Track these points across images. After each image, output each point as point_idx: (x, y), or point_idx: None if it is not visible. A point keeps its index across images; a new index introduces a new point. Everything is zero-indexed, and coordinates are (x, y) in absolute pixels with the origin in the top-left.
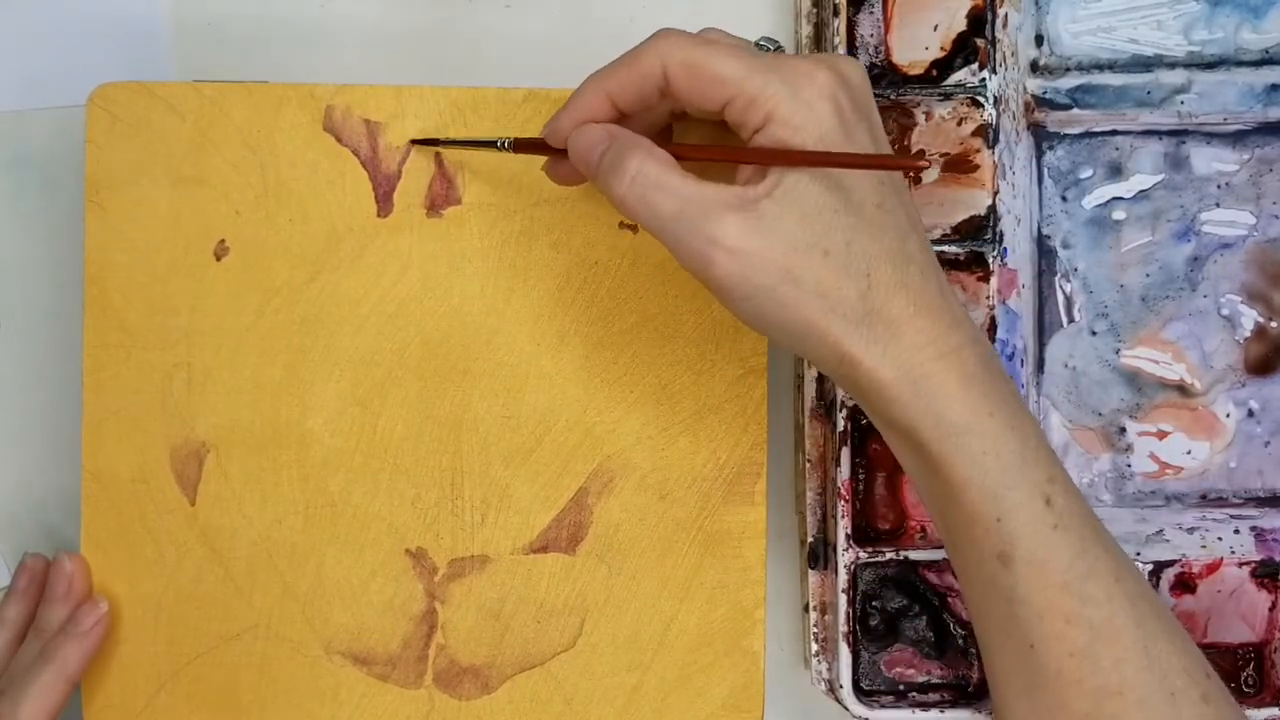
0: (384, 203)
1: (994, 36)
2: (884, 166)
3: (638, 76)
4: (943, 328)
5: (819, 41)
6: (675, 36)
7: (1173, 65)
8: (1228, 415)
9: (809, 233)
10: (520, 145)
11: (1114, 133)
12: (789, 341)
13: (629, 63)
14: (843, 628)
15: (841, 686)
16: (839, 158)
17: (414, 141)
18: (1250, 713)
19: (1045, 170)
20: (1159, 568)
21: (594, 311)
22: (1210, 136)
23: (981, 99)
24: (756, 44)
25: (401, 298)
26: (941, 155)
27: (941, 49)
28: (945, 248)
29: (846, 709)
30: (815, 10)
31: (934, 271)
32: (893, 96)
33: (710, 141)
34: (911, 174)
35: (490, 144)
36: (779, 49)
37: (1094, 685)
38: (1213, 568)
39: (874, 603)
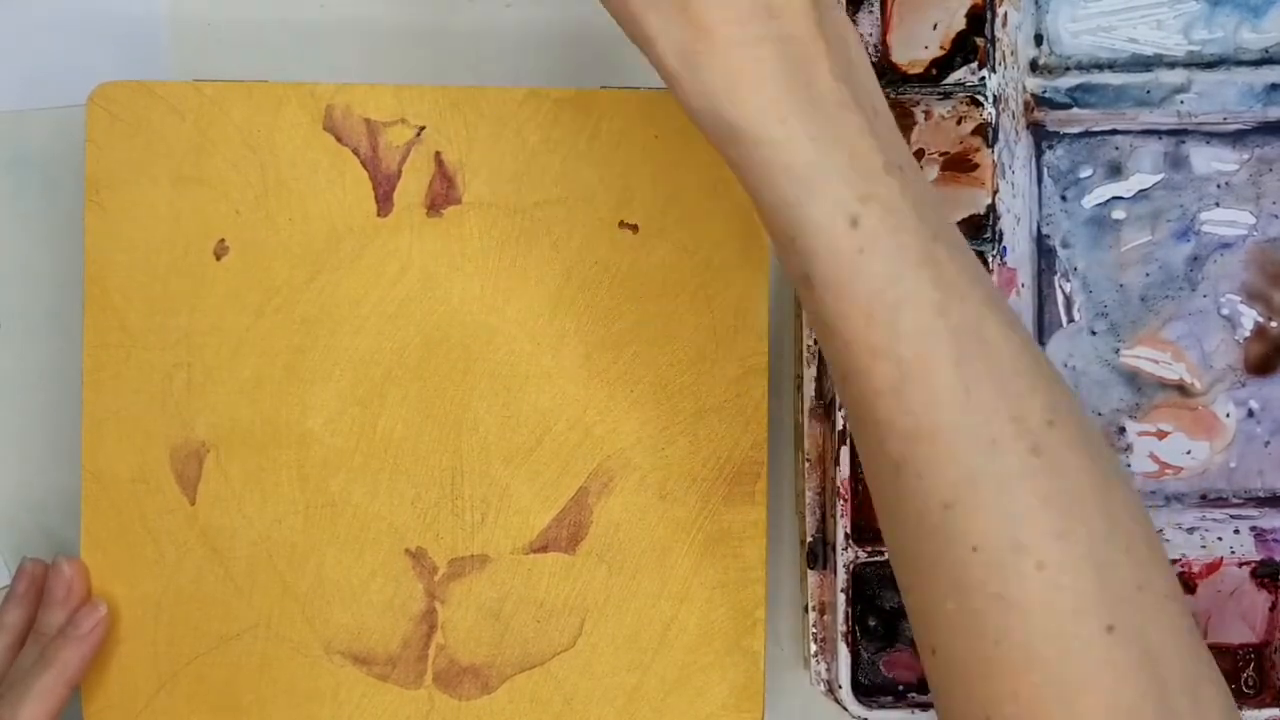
0: (384, 202)
1: (993, 35)
2: None
3: None
4: (745, 13)
5: None
6: None
7: (1172, 65)
8: (1228, 415)
9: None
10: None
11: (1113, 132)
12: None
13: None
14: (842, 628)
15: (841, 687)
16: None
17: None
18: (1250, 714)
19: (1045, 169)
20: None
21: (594, 311)
22: (1210, 136)
23: (981, 98)
24: None
25: (401, 297)
26: (941, 154)
27: (941, 48)
28: None
29: (846, 709)
30: None
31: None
32: (892, 95)
33: None
34: None
35: None
36: None
37: (904, 428)
38: (1213, 568)
39: (873, 603)
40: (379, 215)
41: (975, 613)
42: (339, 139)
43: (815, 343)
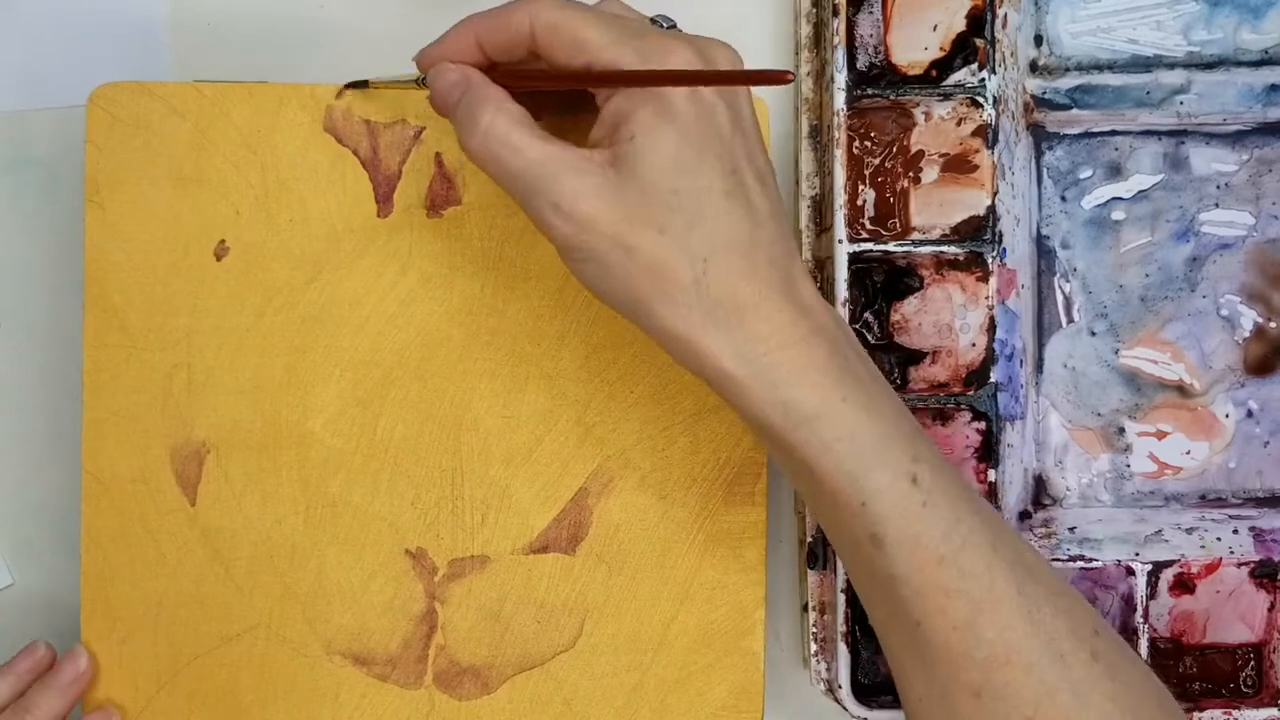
0: (384, 203)
1: (993, 37)
2: (733, 82)
3: (507, 28)
4: (789, 316)
5: (818, 42)
6: (549, 1)
7: (1172, 65)
8: (1227, 415)
9: (647, 208)
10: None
11: (1113, 133)
12: (630, 314)
13: (501, 13)
14: (841, 627)
15: (840, 686)
16: (685, 75)
17: (346, 86)
18: (1249, 714)
19: (1044, 170)
20: (1158, 568)
21: (594, 312)
22: (1209, 137)
23: (981, 99)
24: (652, 20)
25: (402, 298)
26: (941, 156)
27: (941, 49)
28: (945, 248)
29: (845, 709)
30: (815, 10)
31: (786, 260)
32: (892, 97)
33: (571, 111)
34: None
35: (411, 82)
36: (673, 27)
37: (982, 656)
38: (1212, 568)
39: None
40: (379, 216)
41: None
42: (339, 140)
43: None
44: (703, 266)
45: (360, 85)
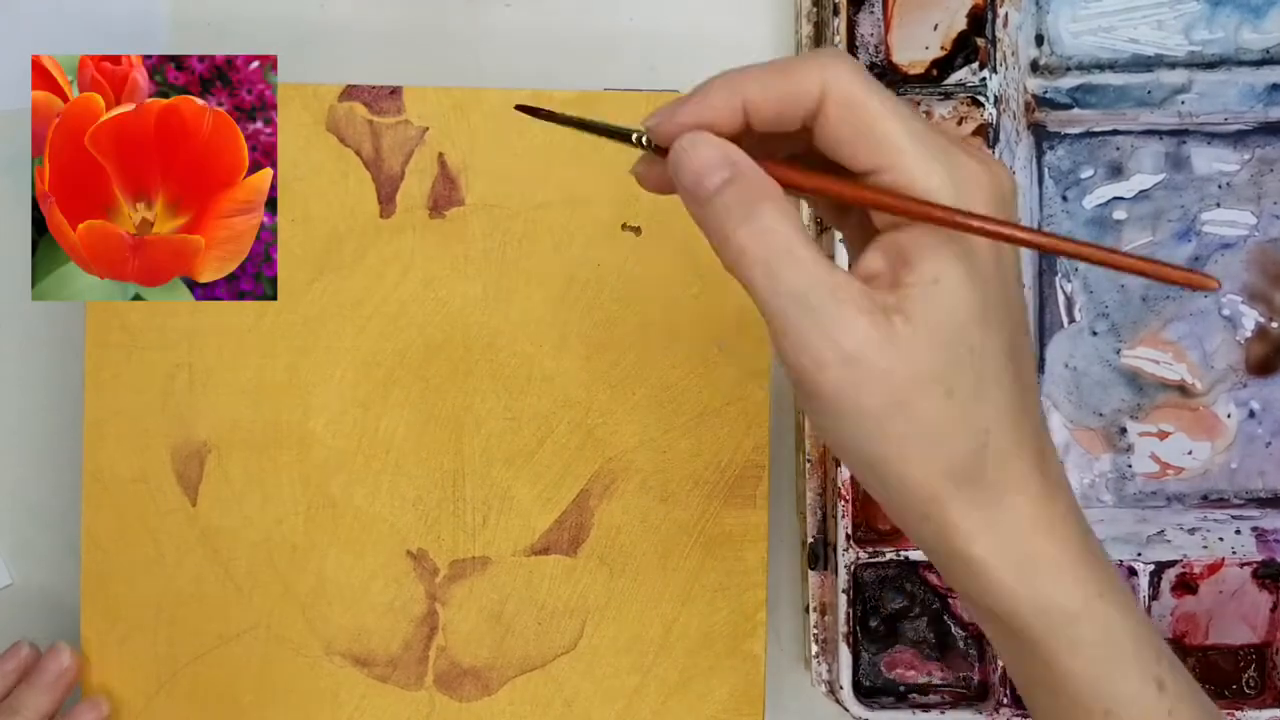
0: (387, 203)
1: (994, 36)
2: (1149, 274)
3: (789, 92)
4: (1046, 494)
5: (819, 41)
6: (848, 63)
7: (1173, 65)
8: (1229, 416)
9: (939, 364)
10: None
11: (1114, 132)
12: (873, 478)
13: (783, 71)
14: (843, 628)
15: (842, 687)
16: (1056, 242)
17: (519, 108)
18: (1251, 714)
19: (1046, 170)
20: (1160, 568)
21: (596, 313)
22: (1211, 136)
23: (982, 98)
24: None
25: (404, 299)
26: None
27: (942, 48)
28: None
29: (847, 710)
30: (815, 10)
31: (1044, 427)
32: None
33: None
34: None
35: (621, 134)
36: None
37: None
38: (1214, 568)
39: (874, 604)
40: (382, 216)
41: None
42: (342, 140)
43: None
44: (984, 439)
45: (540, 114)
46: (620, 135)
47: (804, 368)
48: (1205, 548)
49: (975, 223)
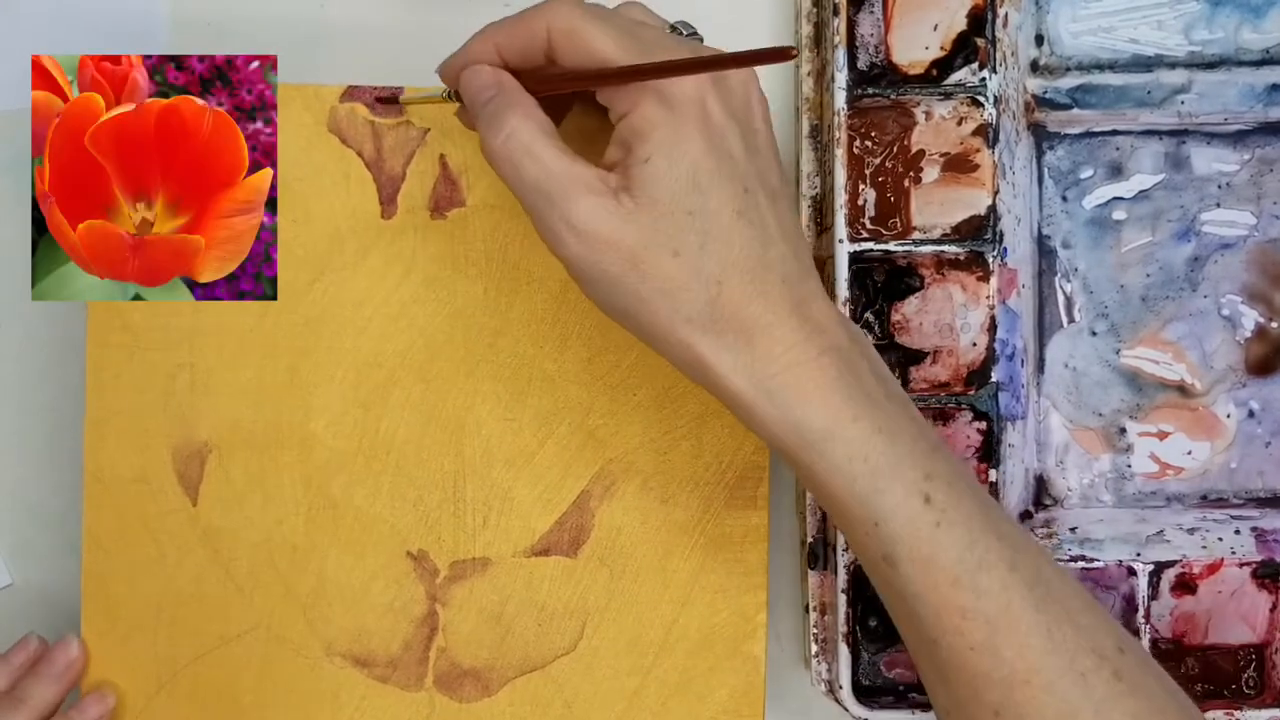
0: (388, 204)
1: (994, 36)
2: (736, 64)
3: (524, 35)
4: (801, 336)
5: (819, 41)
6: (567, 4)
7: (1173, 65)
8: (1228, 416)
9: (661, 230)
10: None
11: (1114, 133)
12: (642, 335)
13: (519, 20)
14: (842, 628)
15: (841, 687)
16: (688, 63)
17: (377, 99)
18: (1251, 714)
19: (1045, 170)
20: (1159, 568)
21: (597, 315)
22: (1211, 136)
23: (981, 99)
24: (671, 27)
25: (405, 299)
26: (941, 155)
27: (941, 48)
28: (945, 247)
29: (847, 710)
30: (815, 10)
31: (800, 278)
32: (893, 96)
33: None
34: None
35: (440, 96)
36: (694, 34)
37: (1000, 676)
38: (1213, 568)
39: (874, 603)
40: (383, 217)
41: None
42: (344, 140)
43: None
44: (716, 289)
45: (390, 101)
46: (441, 98)
47: (551, 245)
48: (1204, 548)
49: (629, 75)
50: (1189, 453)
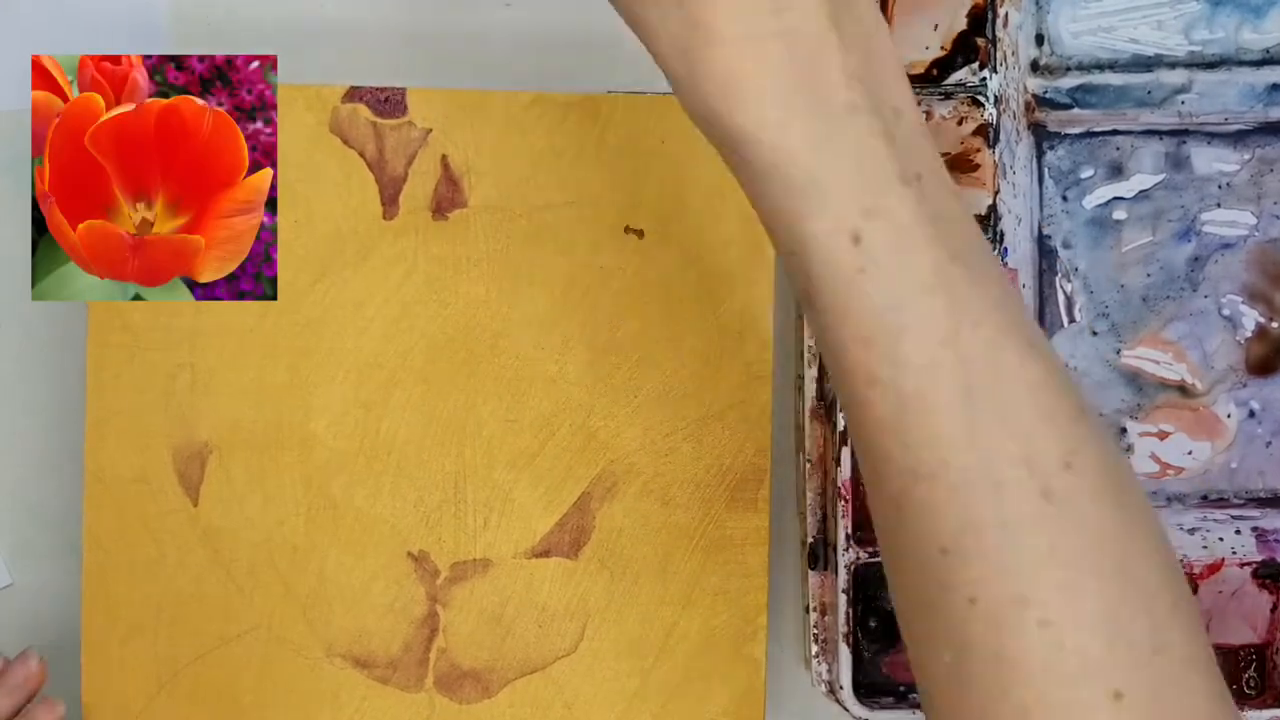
0: (390, 205)
1: (994, 36)
2: None
3: None
4: (750, 5)
5: None
6: None
7: (1173, 65)
8: (1229, 416)
9: None
10: None
11: (1114, 132)
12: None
13: None
14: (843, 628)
15: (842, 688)
16: None
17: None
18: (1252, 714)
19: (1046, 170)
20: None
21: (599, 316)
22: (1211, 136)
23: (982, 98)
24: None
25: (406, 300)
26: (942, 155)
27: (942, 48)
28: None
29: (847, 710)
30: None
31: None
32: None
33: None
34: None
35: None
36: None
37: (903, 464)
38: (1214, 568)
39: (874, 603)
40: (385, 218)
41: (971, 669)
42: (345, 141)
43: (816, 344)
44: None
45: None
46: None
47: None
48: (1205, 548)
49: None
50: (1189, 453)
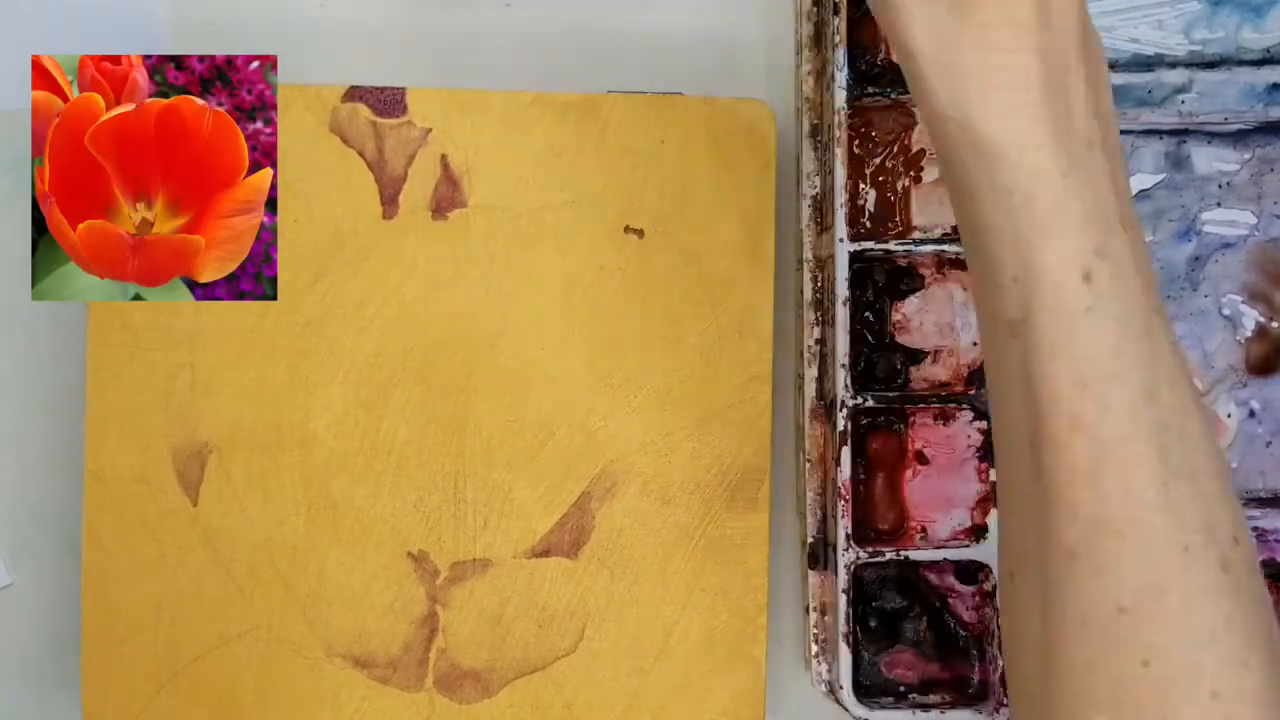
0: (389, 205)
1: None
2: None
3: None
4: (1020, 17)
5: (819, 41)
6: None
7: (1174, 64)
8: (1229, 415)
9: None
10: None
11: None
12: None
13: None
14: (843, 628)
15: (842, 688)
16: None
17: None
18: None
19: None
20: None
21: (598, 316)
22: (1211, 136)
23: None
24: None
25: (406, 300)
26: None
27: None
28: (946, 247)
29: (847, 710)
30: (815, 9)
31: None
32: (893, 96)
33: None
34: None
35: None
36: None
37: (1091, 514)
38: None
39: (874, 603)
40: (384, 218)
41: None
42: (345, 141)
43: (817, 343)
44: None
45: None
46: None
47: None
48: None
49: None
50: None
